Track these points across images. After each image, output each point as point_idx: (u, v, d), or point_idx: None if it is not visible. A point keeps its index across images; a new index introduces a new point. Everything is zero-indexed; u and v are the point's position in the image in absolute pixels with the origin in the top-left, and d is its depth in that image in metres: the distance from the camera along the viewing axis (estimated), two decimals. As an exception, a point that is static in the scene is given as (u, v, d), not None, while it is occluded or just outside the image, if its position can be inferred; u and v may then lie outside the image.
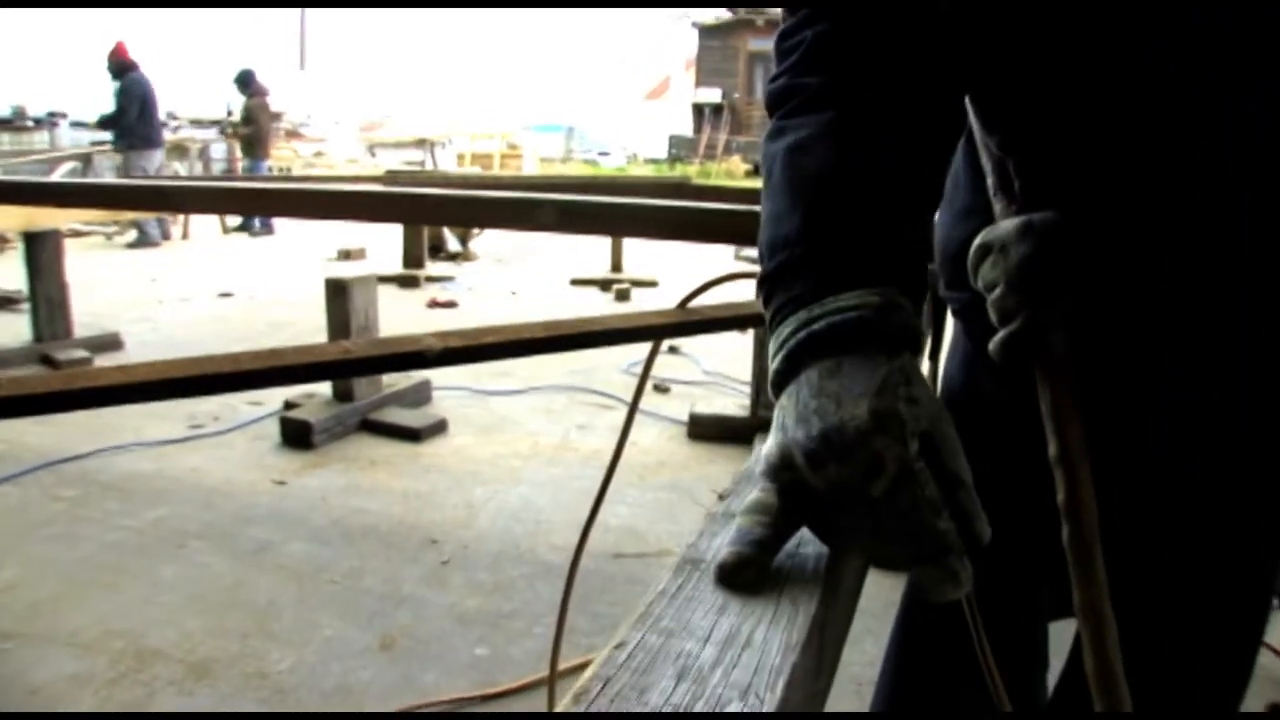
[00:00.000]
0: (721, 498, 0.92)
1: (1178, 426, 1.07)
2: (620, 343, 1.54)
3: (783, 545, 0.77)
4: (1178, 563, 1.11)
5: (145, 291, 7.75)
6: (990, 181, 0.93)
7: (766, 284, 0.84)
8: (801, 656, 0.64)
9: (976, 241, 0.89)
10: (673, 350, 5.98)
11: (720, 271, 1.87)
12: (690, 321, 1.66)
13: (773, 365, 0.80)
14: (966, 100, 1.01)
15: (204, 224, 11.93)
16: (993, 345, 0.87)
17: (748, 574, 0.74)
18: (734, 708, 0.58)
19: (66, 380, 1.15)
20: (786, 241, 0.82)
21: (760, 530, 0.76)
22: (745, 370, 4.92)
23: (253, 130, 12.15)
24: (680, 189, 6.55)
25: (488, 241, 10.89)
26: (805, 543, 0.81)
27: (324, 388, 4.43)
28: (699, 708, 0.57)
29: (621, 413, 4.85)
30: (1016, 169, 0.93)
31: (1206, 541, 1.10)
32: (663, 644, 0.65)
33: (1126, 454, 1.08)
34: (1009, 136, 0.94)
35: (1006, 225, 0.86)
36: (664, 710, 0.57)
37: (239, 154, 12.93)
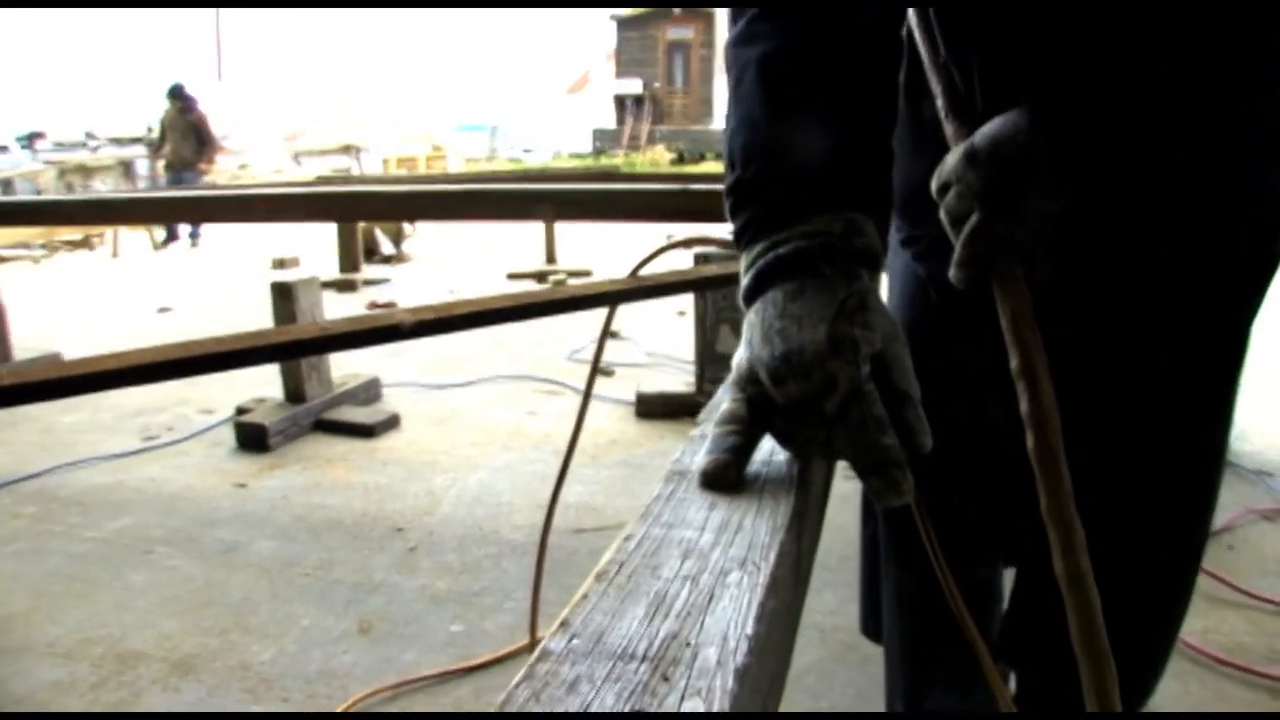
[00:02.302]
0: (697, 424, 1.01)
1: (1178, 426, 1.17)
2: (580, 309, 1.62)
3: (753, 450, 0.86)
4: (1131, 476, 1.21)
5: (80, 311, 7.67)
6: (940, 104, 0.98)
7: (736, 192, 0.91)
8: (787, 535, 0.74)
9: (934, 184, 0.94)
10: (613, 335, 6.06)
11: (648, 250, 1.97)
12: (642, 287, 1.74)
13: (743, 281, 0.88)
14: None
15: (133, 241, 11.78)
16: (958, 271, 0.92)
17: (727, 477, 0.83)
18: (734, 576, 0.67)
19: (65, 369, 1.21)
20: (759, 154, 0.89)
21: (733, 438, 0.85)
22: (686, 350, 5.04)
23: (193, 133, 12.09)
24: (609, 177, 6.64)
25: (421, 243, 10.89)
26: (778, 450, 0.90)
27: (275, 391, 4.45)
28: (704, 579, 0.67)
29: (568, 398, 4.94)
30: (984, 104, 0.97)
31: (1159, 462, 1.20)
32: (665, 534, 0.74)
33: (1124, 451, 1.18)
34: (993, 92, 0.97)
35: (952, 158, 0.91)
36: (674, 579, 0.66)
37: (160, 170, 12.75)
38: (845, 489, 1.44)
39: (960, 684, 1.54)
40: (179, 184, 11.66)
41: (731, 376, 0.88)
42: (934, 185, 0.93)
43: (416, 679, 2.40)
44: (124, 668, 2.49)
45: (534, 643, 2.08)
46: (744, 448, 0.85)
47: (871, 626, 1.85)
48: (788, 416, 0.83)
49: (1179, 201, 1.02)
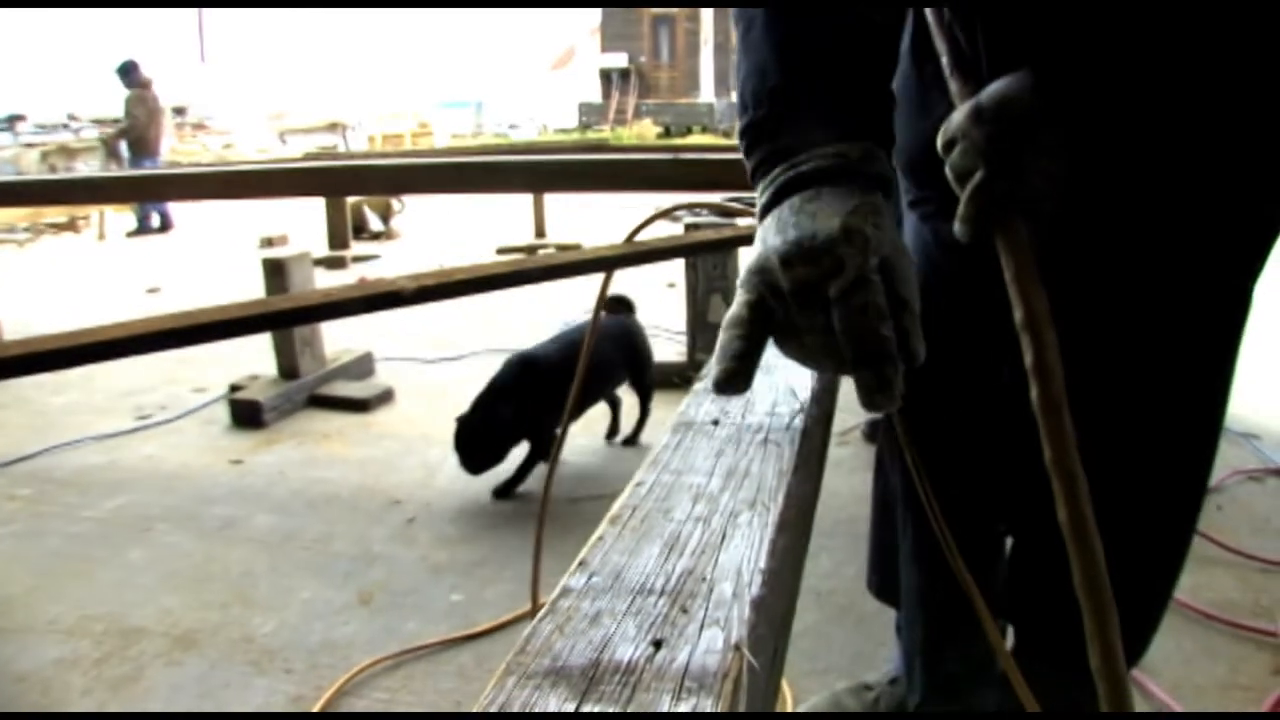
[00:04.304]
0: (699, 379, 1.03)
1: (1178, 389, 1.21)
2: (578, 274, 1.63)
3: (760, 353, 0.88)
4: (1134, 421, 1.24)
5: (70, 293, 7.65)
6: (945, 62, 1.00)
7: (751, 132, 0.93)
8: (794, 478, 0.76)
9: (940, 140, 0.95)
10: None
11: (638, 223, 1.98)
12: (638, 252, 1.75)
13: (760, 200, 0.91)
14: None
15: (119, 223, 11.71)
16: (962, 226, 0.92)
17: (738, 382, 0.86)
18: (744, 517, 0.69)
19: (72, 339, 1.21)
20: (771, 95, 0.92)
21: (738, 344, 0.87)
22: (676, 320, 5.05)
23: (130, 125, 11.67)
24: (601, 150, 6.64)
25: (409, 219, 10.87)
26: (780, 401, 0.92)
27: (268, 368, 4.46)
28: (715, 520, 0.68)
29: (562, 371, 4.94)
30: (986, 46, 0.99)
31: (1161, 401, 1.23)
32: (675, 480, 0.76)
33: (1125, 414, 1.21)
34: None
35: (958, 115, 0.93)
36: (687, 521, 0.68)
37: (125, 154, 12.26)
38: (839, 454, 1.47)
39: (975, 639, 1.56)
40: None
41: (740, 277, 0.90)
42: (940, 141, 0.94)
43: (418, 647, 2.42)
44: (126, 644, 2.51)
45: (535, 609, 2.10)
46: (750, 352, 0.87)
47: (875, 583, 1.88)
48: (793, 301, 0.85)
49: (1182, 170, 1.04)
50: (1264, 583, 2.60)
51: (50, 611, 2.68)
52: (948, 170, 0.94)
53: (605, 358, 3.54)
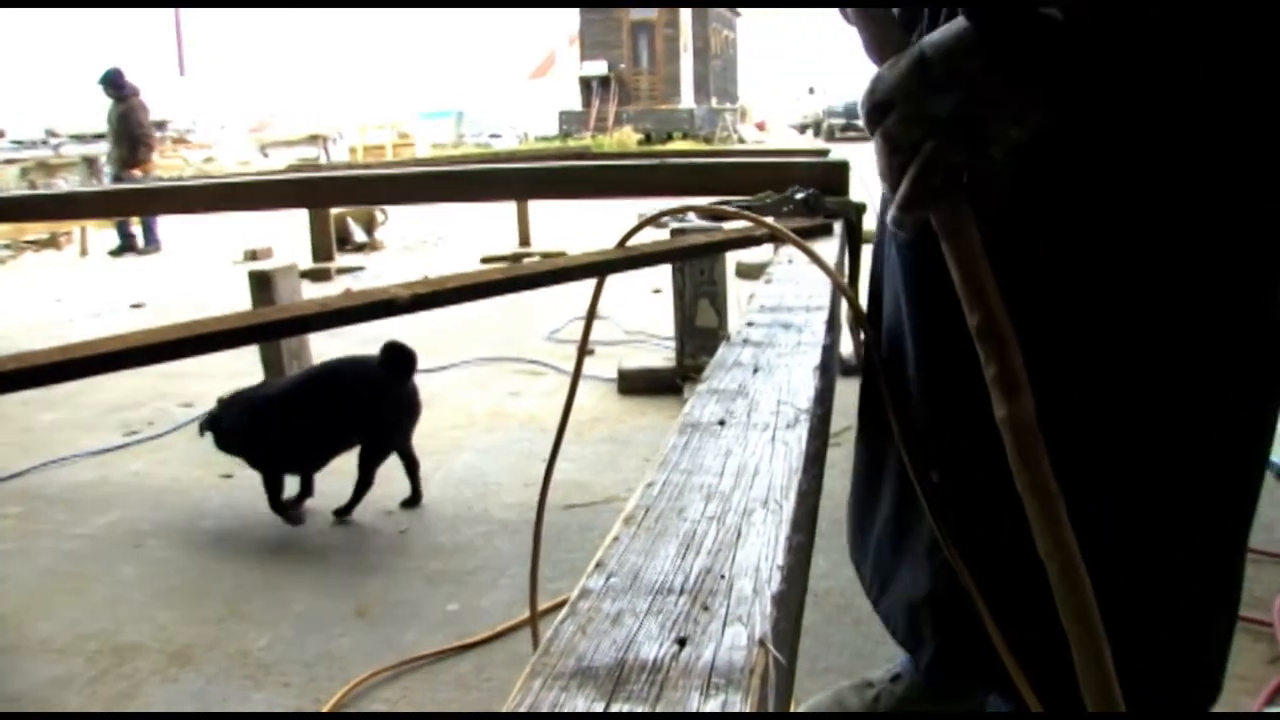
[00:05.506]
0: (703, 379, 1.03)
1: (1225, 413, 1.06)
2: (572, 279, 1.63)
3: None
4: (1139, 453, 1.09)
5: (52, 311, 7.62)
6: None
7: None
8: (804, 476, 0.76)
9: (864, 104, 0.82)
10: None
11: (623, 231, 1.98)
12: (631, 257, 1.76)
13: None
14: None
15: (101, 241, 11.66)
16: (896, 213, 0.83)
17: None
18: (758, 515, 0.69)
19: (65, 352, 1.21)
20: None
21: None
22: (663, 326, 5.06)
23: (128, 133, 11.30)
24: (582, 157, 6.66)
25: (393, 230, 10.85)
26: (785, 401, 0.92)
27: (255, 382, 4.44)
28: (729, 519, 0.68)
29: (550, 378, 4.94)
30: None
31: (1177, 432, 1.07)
32: (685, 480, 0.76)
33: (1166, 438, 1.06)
34: None
35: (892, 72, 0.79)
36: (701, 520, 0.68)
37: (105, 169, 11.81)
38: (832, 455, 1.45)
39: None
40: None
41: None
42: (864, 105, 0.82)
43: (417, 658, 2.41)
44: (121, 661, 2.49)
45: (534, 616, 2.10)
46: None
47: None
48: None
49: (1179, 141, 0.90)
50: (1256, 573, 2.61)
51: (42, 630, 2.66)
52: (879, 141, 0.81)
53: (332, 413, 3.25)
